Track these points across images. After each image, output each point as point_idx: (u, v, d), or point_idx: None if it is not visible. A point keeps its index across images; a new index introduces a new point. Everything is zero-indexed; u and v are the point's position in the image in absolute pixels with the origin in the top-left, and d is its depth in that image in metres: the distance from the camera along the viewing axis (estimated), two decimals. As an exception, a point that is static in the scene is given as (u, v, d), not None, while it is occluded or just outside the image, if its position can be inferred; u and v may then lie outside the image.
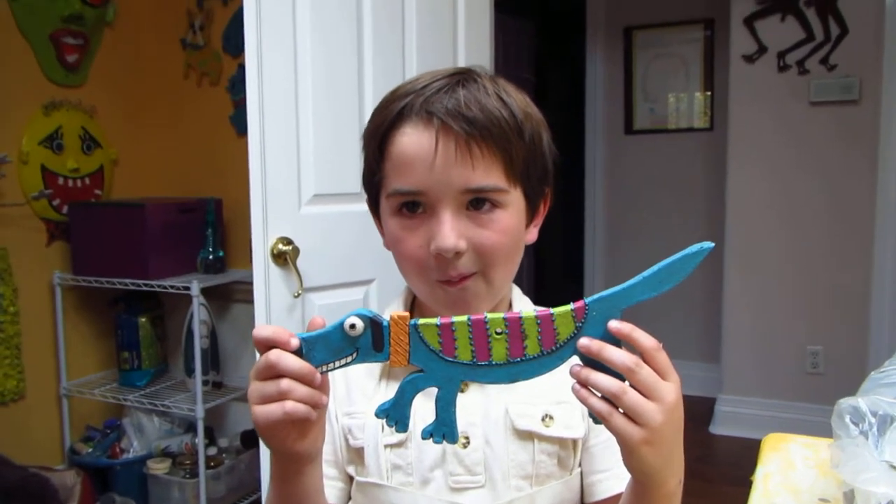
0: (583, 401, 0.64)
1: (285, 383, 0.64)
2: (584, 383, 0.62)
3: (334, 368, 0.65)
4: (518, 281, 0.97)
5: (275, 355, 0.64)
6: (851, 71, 3.31)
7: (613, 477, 0.84)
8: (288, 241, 1.75)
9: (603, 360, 0.62)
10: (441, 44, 2.14)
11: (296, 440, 0.68)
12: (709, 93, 4.13)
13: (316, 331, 0.65)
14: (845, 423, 0.72)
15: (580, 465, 0.88)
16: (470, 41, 2.22)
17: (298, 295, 1.76)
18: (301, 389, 0.64)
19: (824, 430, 1.16)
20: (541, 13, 5.34)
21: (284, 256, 1.74)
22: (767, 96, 3.47)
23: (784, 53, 3.42)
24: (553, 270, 5.98)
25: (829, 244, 3.42)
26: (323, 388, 0.66)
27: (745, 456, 3.30)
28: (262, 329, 0.66)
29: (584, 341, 0.61)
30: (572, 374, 0.63)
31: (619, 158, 4.40)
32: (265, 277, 1.73)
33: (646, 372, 0.62)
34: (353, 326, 0.63)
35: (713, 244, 0.61)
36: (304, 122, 1.80)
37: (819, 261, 3.44)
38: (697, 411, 3.86)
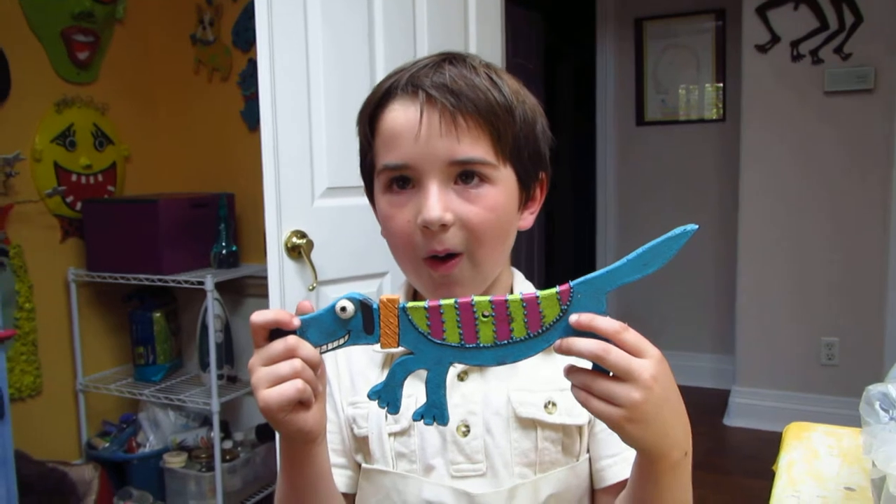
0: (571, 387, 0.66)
1: (299, 363, 0.66)
2: (567, 351, 0.63)
3: (327, 350, 0.67)
4: (528, 274, 0.97)
5: (294, 340, 0.66)
6: (866, 60, 3.29)
7: (622, 461, 0.84)
8: (302, 235, 1.75)
9: (594, 329, 0.62)
10: (452, 34, 2.13)
11: (305, 417, 0.70)
12: (720, 84, 4.10)
13: (310, 313, 0.67)
14: (875, 409, 0.71)
15: (588, 451, 0.88)
16: (481, 33, 2.21)
17: (313, 288, 1.76)
18: (310, 371, 0.67)
19: (840, 422, 1.15)
20: (551, 4, 5.32)
21: (298, 250, 1.74)
22: (781, 86, 3.45)
23: (798, 43, 3.40)
24: (565, 262, 5.97)
25: (843, 234, 3.40)
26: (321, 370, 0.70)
27: (760, 448, 3.31)
28: (262, 314, 0.68)
29: (574, 318, 0.62)
30: (555, 348, 0.64)
31: (630, 150, 4.38)
32: (279, 271, 1.73)
33: (615, 354, 0.62)
34: (343, 309, 0.65)
35: (697, 226, 0.61)
36: (316, 116, 1.80)
37: (833, 251, 3.42)
38: (711, 403, 3.85)
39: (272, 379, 0.66)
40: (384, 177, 0.83)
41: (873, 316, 3.36)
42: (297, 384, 0.66)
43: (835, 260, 3.42)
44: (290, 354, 0.66)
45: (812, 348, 3.49)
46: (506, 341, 0.63)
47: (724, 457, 3.36)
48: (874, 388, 0.74)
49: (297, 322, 0.67)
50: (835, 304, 3.43)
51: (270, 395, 0.66)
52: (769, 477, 1.12)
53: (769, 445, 3.21)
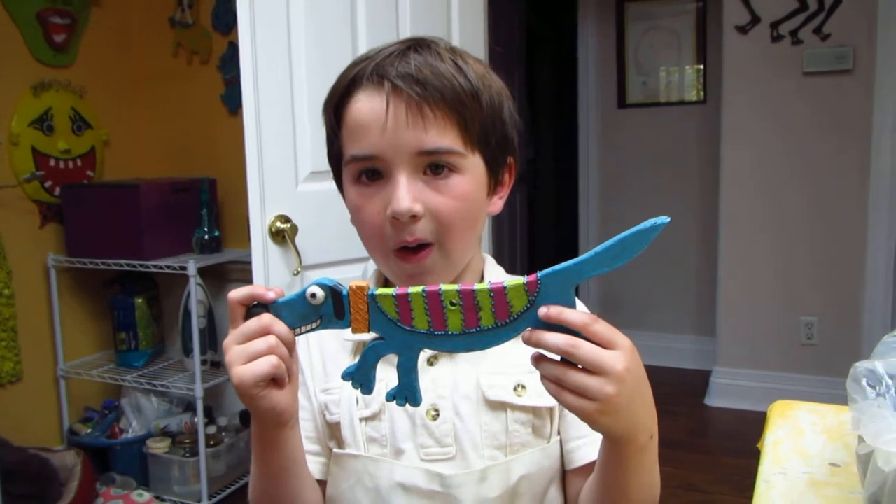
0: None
1: (273, 339, 0.67)
2: (536, 345, 0.63)
3: (301, 333, 0.68)
4: (511, 258, 0.97)
5: (268, 318, 0.67)
6: (845, 40, 3.31)
7: (591, 443, 0.84)
8: (286, 219, 1.74)
9: (563, 322, 0.62)
10: (435, 19, 2.12)
11: (279, 396, 0.70)
12: (701, 66, 4.11)
13: (283, 297, 0.68)
14: (862, 386, 0.72)
15: (559, 432, 0.88)
16: (464, 17, 2.20)
17: (297, 272, 1.76)
18: (284, 349, 0.68)
19: (820, 400, 1.17)
20: (532, -13, 5.30)
21: (283, 234, 1.73)
22: (761, 67, 3.46)
23: (777, 24, 3.41)
24: (547, 246, 5.99)
25: (823, 215, 3.43)
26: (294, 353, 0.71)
27: (741, 427, 3.36)
28: (239, 290, 0.69)
29: (543, 310, 0.62)
30: (524, 340, 0.64)
31: (611, 132, 4.39)
32: (264, 255, 1.72)
33: (584, 348, 0.62)
34: (313, 296, 0.66)
35: (668, 219, 0.60)
36: (298, 99, 1.78)
37: (813, 232, 3.45)
38: (692, 384, 3.89)
39: (247, 356, 0.67)
40: (352, 167, 0.83)
41: (852, 295, 3.40)
42: (272, 360, 0.67)
43: (814, 240, 3.45)
44: (264, 332, 0.67)
45: (792, 328, 3.53)
46: (474, 329, 0.63)
47: (705, 437, 3.40)
48: (861, 365, 0.75)
49: (272, 294, 0.67)
50: (814, 284, 3.47)
51: (244, 371, 0.67)
52: (751, 455, 1.13)
53: (750, 424, 3.25)
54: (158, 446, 2.65)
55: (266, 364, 0.67)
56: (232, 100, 2.85)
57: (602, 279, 4.23)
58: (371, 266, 2.00)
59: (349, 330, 0.66)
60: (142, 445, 2.68)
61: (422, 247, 0.81)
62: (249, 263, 1.74)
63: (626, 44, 4.28)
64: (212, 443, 2.65)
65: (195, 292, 2.54)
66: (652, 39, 4.22)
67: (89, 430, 2.72)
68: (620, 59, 4.30)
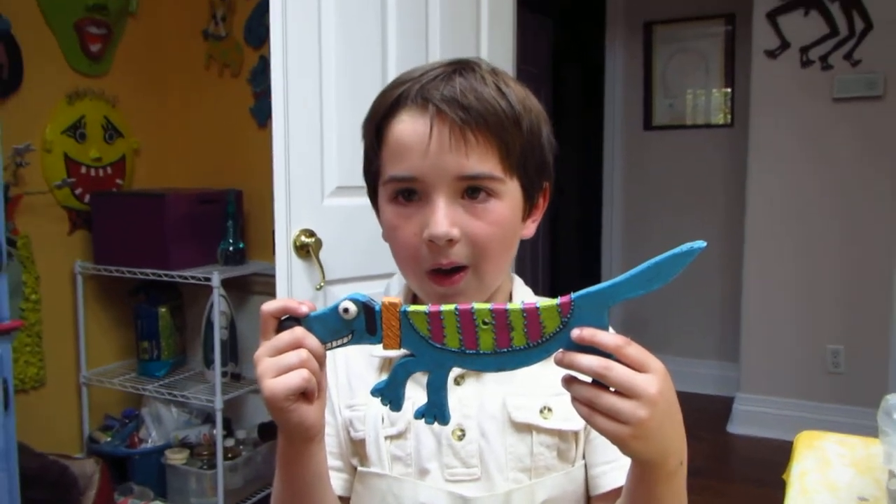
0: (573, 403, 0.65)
1: (305, 353, 0.67)
2: (568, 366, 0.63)
3: (332, 348, 0.68)
4: (534, 279, 0.97)
5: (301, 332, 0.67)
6: (876, 66, 3.28)
7: (618, 468, 0.83)
8: (311, 233, 1.75)
9: (597, 345, 0.61)
10: (464, 37, 2.13)
11: (308, 410, 0.70)
12: (729, 89, 4.09)
13: (315, 311, 0.68)
14: (893, 419, 0.71)
15: (584, 456, 0.87)
16: (493, 36, 2.21)
17: (321, 287, 1.76)
18: (315, 363, 0.67)
19: (846, 430, 1.15)
20: (560, 8, 5.31)
21: (307, 248, 1.74)
22: (789, 92, 3.44)
23: (807, 49, 3.39)
24: (570, 268, 5.96)
25: (850, 241, 3.39)
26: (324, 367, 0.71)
27: (765, 456, 3.31)
28: (272, 303, 0.69)
29: (576, 332, 0.62)
30: (556, 361, 0.63)
31: (637, 154, 4.37)
32: (287, 269, 1.73)
33: (617, 371, 0.61)
34: (346, 311, 0.66)
35: (704, 243, 0.59)
36: (327, 114, 1.80)
37: (840, 258, 3.41)
38: (715, 410, 3.84)
39: (278, 368, 0.67)
40: (391, 188, 0.83)
41: (880, 323, 3.34)
42: (303, 374, 0.66)
43: (841, 266, 3.41)
44: (296, 345, 0.67)
45: (817, 356, 3.48)
46: (505, 349, 0.63)
47: (727, 464, 3.35)
48: (893, 398, 0.73)
49: (304, 308, 0.67)
50: (841, 310, 3.42)
51: (276, 384, 0.66)
52: (773, 485, 1.11)
53: (773, 453, 3.20)
54: (176, 457, 2.65)
55: (297, 377, 0.66)
56: (261, 113, 2.88)
57: (625, 302, 4.19)
58: (395, 283, 2.01)
59: (380, 346, 0.66)
60: (160, 456, 2.68)
61: (456, 270, 0.81)
62: (273, 276, 1.74)
63: (653, 66, 4.27)
64: (230, 455, 2.65)
65: (218, 303, 2.55)
66: (680, 62, 4.21)
67: (109, 439, 2.73)
68: (647, 80, 4.29)
